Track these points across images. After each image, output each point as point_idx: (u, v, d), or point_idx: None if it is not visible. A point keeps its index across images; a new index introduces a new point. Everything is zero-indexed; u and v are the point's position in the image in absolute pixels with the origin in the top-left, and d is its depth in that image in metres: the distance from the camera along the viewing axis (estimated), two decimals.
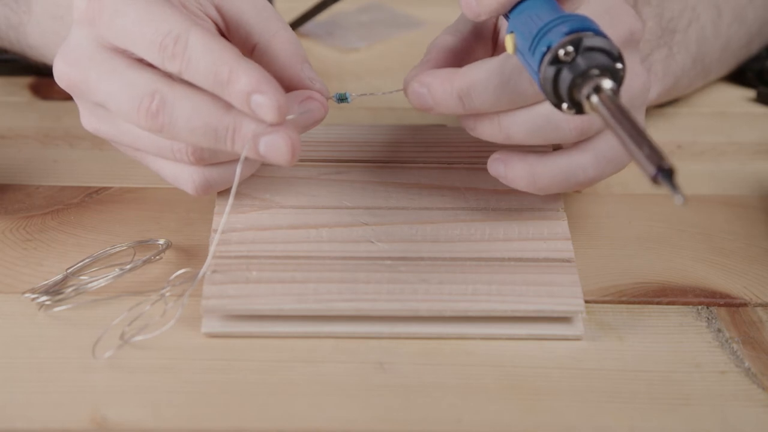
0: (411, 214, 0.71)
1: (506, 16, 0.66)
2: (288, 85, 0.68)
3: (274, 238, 0.69)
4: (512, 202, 0.72)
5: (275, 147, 0.62)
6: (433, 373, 0.64)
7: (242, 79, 0.61)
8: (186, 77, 0.62)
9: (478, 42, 0.71)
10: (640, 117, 0.69)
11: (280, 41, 0.68)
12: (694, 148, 0.85)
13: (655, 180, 0.55)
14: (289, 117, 0.63)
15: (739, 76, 0.93)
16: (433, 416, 0.62)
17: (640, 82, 0.67)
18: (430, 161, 0.76)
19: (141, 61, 0.64)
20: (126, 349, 0.64)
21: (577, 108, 0.60)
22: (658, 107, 0.89)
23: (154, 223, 0.75)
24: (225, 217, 0.66)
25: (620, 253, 0.73)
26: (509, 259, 0.68)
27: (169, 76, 0.63)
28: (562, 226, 0.71)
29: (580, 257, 0.71)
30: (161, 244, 0.71)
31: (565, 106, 0.60)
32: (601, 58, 0.59)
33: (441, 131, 0.79)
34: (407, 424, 0.61)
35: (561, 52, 0.60)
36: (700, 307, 0.69)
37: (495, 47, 0.72)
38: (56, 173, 0.80)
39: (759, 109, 0.91)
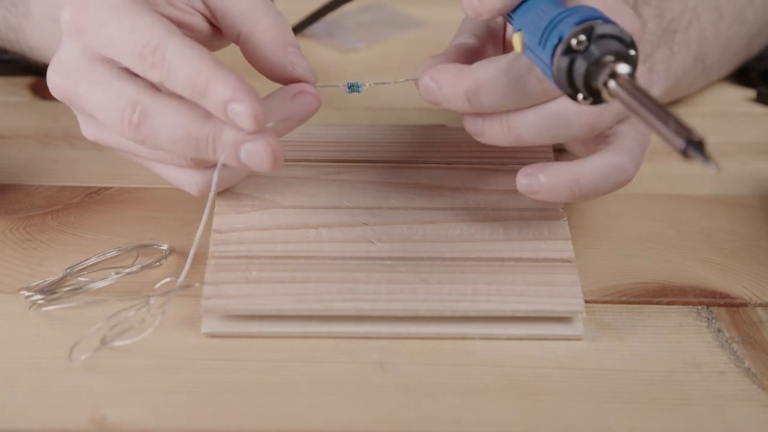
0: (411, 214, 0.71)
1: (508, 17, 0.66)
2: (273, 72, 0.68)
3: (274, 238, 0.69)
4: (512, 202, 0.72)
5: (255, 155, 0.63)
6: (433, 373, 0.64)
7: (218, 89, 0.61)
8: (168, 86, 0.62)
9: (491, 41, 0.71)
10: None
11: (263, 27, 0.68)
12: None
13: (685, 153, 0.54)
14: (269, 125, 0.63)
15: (741, 76, 0.93)
16: (433, 416, 0.62)
17: (642, 81, 0.68)
18: (430, 161, 0.76)
19: (127, 71, 0.64)
20: (126, 350, 0.64)
21: (594, 97, 0.60)
22: None
23: (154, 223, 0.75)
24: (201, 227, 0.65)
25: (620, 253, 0.73)
26: (509, 259, 0.68)
27: (154, 85, 0.63)
28: (562, 226, 0.71)
29: (580, 257, 0.71)
30: (164, 250, 0.71)
31: (580, 96, 0.60)
32: (615, 45, 0.59)
33: (441, 131, 0.79)
34: (407, 424, 0.61)
35: (573, 42, 0.60)
36: (700, 307, 0.69)
37: (504, 45, 0.72)
38: (56, 173, 0.80)
39: (759, 109, 0.91)
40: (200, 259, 0.70)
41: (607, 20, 0.60)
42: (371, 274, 0.67)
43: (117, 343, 0.64)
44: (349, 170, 0.75)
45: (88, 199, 0.77)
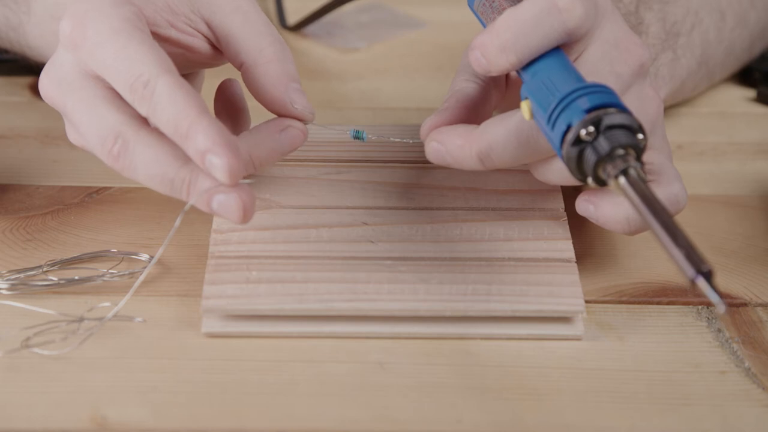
0: (411, 214, 0.71)
1: (517, 71, 0.66)
2: (272, 106, 0.68)
3: (274, 238, 0.69)
4: (512, 202, 0.72)
5: (227, 207, 0.63)
6: (433, 373, 0.64)
7: (199, 138, 0.61)
8: (153, 122, 0.62)
9: (493, 82, 0.70)
10: (661, 132, 0.70)
11: (267, 59, 0.68)
12: (694, 148, 0.85)
13: (693, 283, 0.54)
14: (245, 181, 0.63)
15: (744, 75, 0.93)
16: (433, 416, 0.62)
17: (655, 105, 0.68)
18: (429, 161, 0.75)
19: (117, 94, 0.64)
20: (125, 349, 0.64)
21: (603, 183, 0.60)
22: None
23: (154, 223, 0.75)
24: (161, 249, 0.65)
25: (620, 253, 0.73)
26: (509, 259, 0.68)
27: (140, 116, 0.64)
28: (562, 226, 0.71)
29: (580, 257, 0.71)
30: (146, 260, 0.70)
31: (590, 180, 0.61)
32: (623, 137, 0.59)
33: None
34: (407, 424, 0.61)
35: (582, 132, 0.60)
36: (700, 307, 0.69)
37: (508, 83, 0.72)
38: (56, 173, 0.80)
39: (759, 109, 0.90)
40: (198, 256, 0.70)
41: (616, 105, 0.60)
42: (371, 274, 0.67)
43: (37, 350, 0.64)
44: (349, 170, 0.75)
45: (88, 199, 0.77)
